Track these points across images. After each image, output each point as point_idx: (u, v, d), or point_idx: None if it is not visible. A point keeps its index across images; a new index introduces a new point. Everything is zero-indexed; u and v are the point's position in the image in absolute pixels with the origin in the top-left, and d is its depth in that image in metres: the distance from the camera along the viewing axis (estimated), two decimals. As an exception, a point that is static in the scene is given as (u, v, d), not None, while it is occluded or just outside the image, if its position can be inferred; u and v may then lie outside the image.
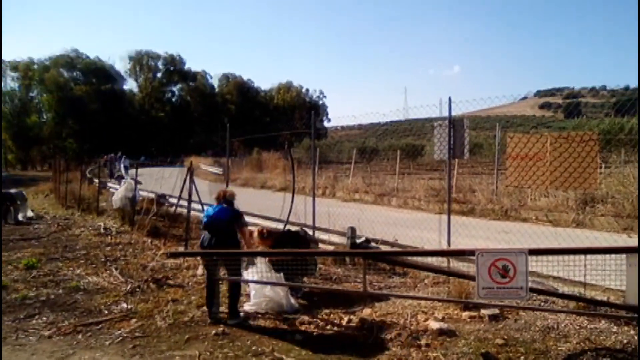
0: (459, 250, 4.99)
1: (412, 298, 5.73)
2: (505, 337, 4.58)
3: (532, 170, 5.98)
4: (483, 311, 5.15)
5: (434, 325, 4.79)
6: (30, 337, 4.93)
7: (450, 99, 5.87)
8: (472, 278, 4.85)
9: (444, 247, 6.30)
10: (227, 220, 5.52)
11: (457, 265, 6.22)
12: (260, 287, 5.60)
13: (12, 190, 14.73)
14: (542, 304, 5.52)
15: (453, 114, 6.26)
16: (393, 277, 7.07)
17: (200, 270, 7.16)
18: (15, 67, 61.00)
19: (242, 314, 5.42)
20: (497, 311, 5.12)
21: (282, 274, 5.52)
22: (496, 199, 14.62)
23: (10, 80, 61.79)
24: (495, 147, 18.25)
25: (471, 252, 4.10)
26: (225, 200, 5.75)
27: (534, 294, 5.16)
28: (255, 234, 6.13)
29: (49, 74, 59.65)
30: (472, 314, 5.17)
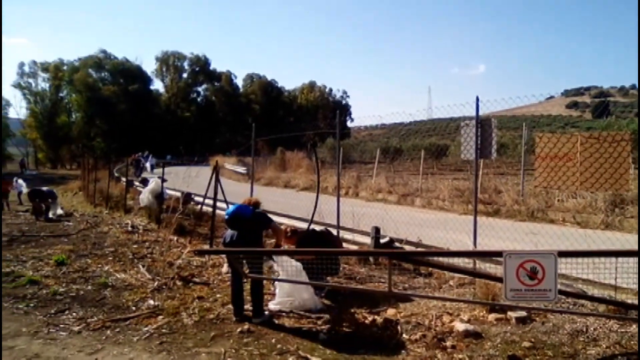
0: (486, 251, 4.94)
1: (438, 299, 5.69)
2: (533, 340, 4.51)
3: (562, 171, 5.87)
4: (510, 313, 5.09)
5: (459, 326, 4.75)
6: (61, 332, 5.03)
7: (477, 99, 5.80)
8: (499, 280, 4.79)
9: (470, 248, 6.23)
10: (249, 217, 5.54)
11: (482, 266, 6.17)
12: (285, 285, 5.63)
13: (44, 189, 15.15)
14: (571, 306, 5.43)
15: (474, 113, 6.19)
16: (417, 278, 7.03)
17: (225, 268, 7.24)
18: (45, 68, 62.50)
19: (267, 312, 5.46)
20: (524, 313, 5.04)
21: (304, 273, 5.55)
22: (522, 200, 14.40)
23: (41, 81, 63.40)
24: (521, 147, 17.95)
25: (498, 254, 4.05)
26: (255, 206, 5.84)
27: (563, 297, 5.07)
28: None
29: (78, 75, 60.93)
30: (499, 316, 5.10)
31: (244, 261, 5.62)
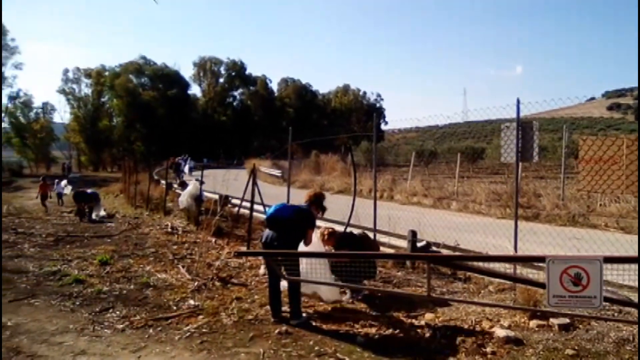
0: (528, 256, 4.83)
1: (478, 304, 5.60)
2: (577, 348, 4.40)
3: (607, 174, 5.72)
4: (552, 320, 4.97)
5: (500, 332, 4.67)
6: (106, 330, 5.19)
7: (518, 101, 5.70)
8: (541, 285, 4.69)
9: (510, 252, 6.12)
10: (287, 218, 5.52)
11: (522, 272, 6.05)
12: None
13: (88, 191, 15.69)
14: (616, 314, 5.26)
15: (515, 115, 6.09)
16: (455, 282, 6.95)
17: (262, 269, 7.32)
18: (88, 74, 64.67)
19: (304, 314, 5.49)
20: (567, 320, 4.92)
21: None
22: (563, 204, 14.03)
23: (84, 87, 65.65)
24: (561, 150, 17.49)
25: (541, 259, 3.97)
26: (314, 199, 5.82)
27: (608, 304, 4.93)
28: (318, 234, 6.22)
29: (119, 80, 62.78)
30: (541, 322, 4.99)
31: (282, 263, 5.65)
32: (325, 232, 6.40)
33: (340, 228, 7.34)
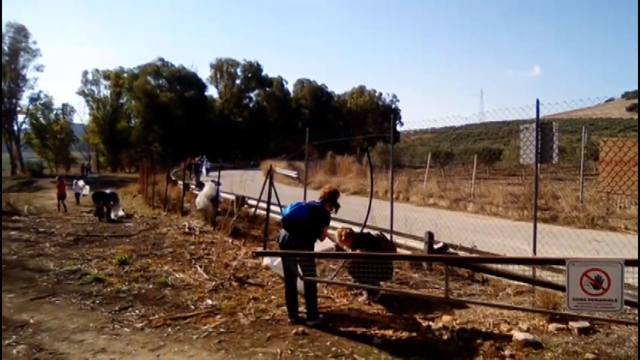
0: (547, 258, 4.78)
1: (496, 307, 5.55)
2: (597, 352, 4.34)
3: (627, 176, 5.62)
4: (571, 323, 4.91)
5: (518, 335, 4.63)
6: (125, 328, 5.26)
7: (538, 102, 5.65)
8: (560, 288, 4.64)
9: (529, 255, 6.06)
10: (303, 219, 5.49)
11: (541, 274, 5.98)
12: None
13: (107, 191, 15.92)
14: (637, 318, 5.18)
15: (532, 116, 6.04)
16: (472, 285, 6.90)
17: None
18: (107, 75, 65.53)
19: (321, 315, 5.50)
20: (587, 324, 4.86)
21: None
22: (581, 206, 13.84)
23: (103, 88, 66.56)
24: (580, 152, 17.24)
25: (560, 261, 3.92)
26: (329, 196, 5.82)
27: (629, 307, 4.85)
28: (336, 234, 6.24)
29: (138, 82, 63.53)
30: (560, 325, 4.94)
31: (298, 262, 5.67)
32: (343, 233, 6.42)
33: (356, 229, 7.33)
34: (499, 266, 5.70)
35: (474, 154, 24.92)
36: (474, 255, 7.08)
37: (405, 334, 4.97)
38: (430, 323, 5.23)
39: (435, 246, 7.38)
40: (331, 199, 5.84)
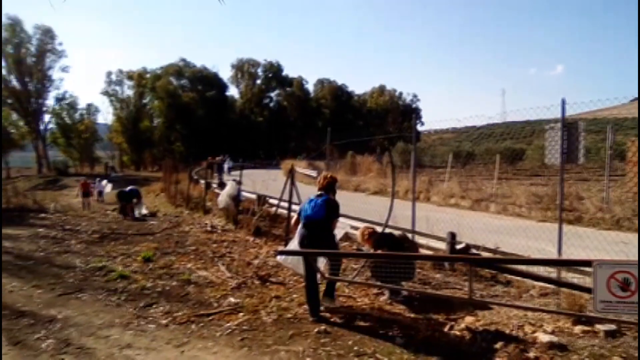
0: (573, 260, 4.72)
1: (521, 308, 5.48)
2: (624, 355, 4.27)
3: (656, 177, 5.49)
4: (598, 326, 4.84)
5: (543, 337, 4.57)
6: (150, 325, 5.35)
7: (563, 101, 5.57)
8: (586, 290, 4.58)
9: (554, 256, 5.98)
10: (323, 219, 5.64)
11: (567, 276, 5.90)
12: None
13: (127, 189, 16.21)
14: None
15: (555, 116, 5.97)
16: (495, 286, 6.83)
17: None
18: (130, 76, 66.49)
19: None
20: (613, 327, 4.78)
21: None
22: (607, 208, 13.56)
23: (127, 88, 67.55)
24: (605, 152, 16.88)
25: (587, 263, 3.88)
26: (327, 186, 5.91)
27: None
28: (359, 233, 6.27)
29: (160, 82, 64.29)
30: (586, 328, 4.86)
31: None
32: (366, 232, 6.42)
33: (378, 229, 7.33)
34: (523, 267, 5.65)
35: (496, 153, 24.64)
36: (497, 256, 7.00)
37: (427, 334, 4.95)
38: (453, 324, 5.19)
39: (458, 247, 7.31)
40: (333, 189, 5.99)
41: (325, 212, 5.63)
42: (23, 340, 4.86)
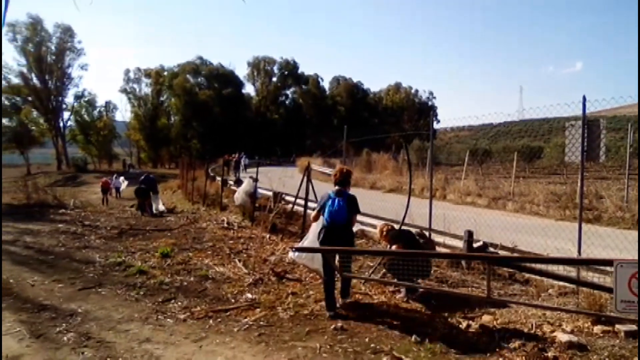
0: (594, 259, 4.66)
1: (540, 307, 5.41)
2: (645, 357, 4.20)
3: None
4: (618, 326, 4.77)
5: (562, 337, 4.53)
6: (168, 319, 5.42)
7: (584, 98, 5.48)
8: (606, 289, 4.52)
9: (573, 255, 5.90)
10: (345, 222, 5.69)
11: (587, 275, 5.82)
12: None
13: (142, 177, 16.38)
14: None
15: (574, 114, 5.90)
16: (513, 285, 6.78)
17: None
18: (148, 74, 67.15)
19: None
20: (634, 327, 4.70)
21: None
22: (626, 207, 13.34)
23: (144, 86, 68.26)
24: (624, 150, 16.59)
25: (608, 262, 3.83)
26: (343, 179, 5.93)
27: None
28: (377, 230, 6.28)
29: (177, 80, 64.79)
30: (606, 328, 4.80)
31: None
32: (385, 229, 6.43)
33: (395, 227, 7.31)
34: (542, 266, 5.59)
35: (513, 151, 24.40)
36: (515, 255, 6.94)
37: (444, 332, 4.93)
38: (470, 322, 5.17)
39: (475, 245, 7.26)
40: (348, 181, 6.01)
41: (347, 214, 5.67)
42: (45, 334, 4.96)
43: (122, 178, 26.28)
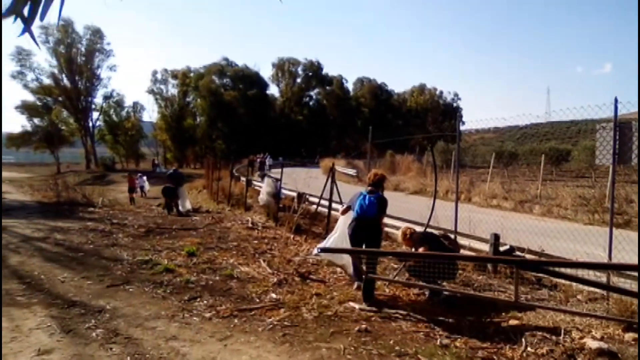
0: (625, 264, 4.56)
1: (570, 312, 5.31)
2: (679, 366, 4.09)
3: None
4: (650, 334, 4.65)
5: (592, 344, 4.43)
6: (194, 317, 5.47)
7: (616, 99, 5.37)
8: (637, 295, 4.42)
9: (603, 260, 5.78)
10: (375, 217, 6.13)
11: (616, 281, 5.70)
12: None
13: (170, 170, 16.61)
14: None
15: (605, 115, 5.76)
16: (541, 290, 6.67)
17: (340, 268, 7.46)
18: (175, 75, 68.04)
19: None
20: (667, 336, 4.59)
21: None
22: (657, 211, 12.98)
23: (171, 87, 69.16)
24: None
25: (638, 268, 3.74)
26: (377, 181, 6.33)
27: None
28: (400, 233, 6.31)
29: (203, 81, 65.47)
30: (637, 335, 4.68)
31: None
32: (408, 232, 6.41)
33: (418, 229, 7.27)
34: (570, 271, 5.48)
35: (540, 154, 23.95)
36: (542, 259, 6.83)
37: (470, 337, 4.89)
38: (497, 327, 5.10)
39: (501, 248, 7.17)
40: (381, 185, 6.51)
41: (377, 211, 6.12)
42: (75, 329, 5.06)
43: (145, 177, 26.74)
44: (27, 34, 1.65)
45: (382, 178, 6.44)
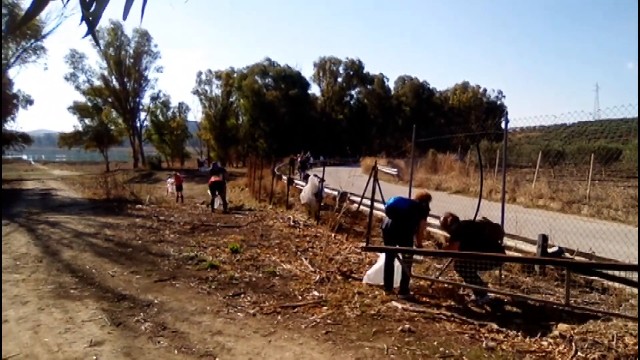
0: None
1: (623, 317, 5.08)
2: None
3: None
4: None
5: (646, 350, 4.26)
6: (239, 313, 5.59)
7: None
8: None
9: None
10: (406, 209, 6.38)
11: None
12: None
13: (218, 164, 16.91)
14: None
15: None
16: (591, 293, 6.44)
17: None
18: (219, 76, 69.23)
19: (412, 292, 6.21)
20: None
21: None
22: None
23: (215, 88, 70.40)
24: None
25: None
26: (425, 200, 6.65)
27: None
28: (441, 219, 6.37)
29: (246, 81, 66.39)
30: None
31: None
32: (449, 218, 6.38)
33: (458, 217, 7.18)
34: (623, 274, 5.28)
35: (589, 153, 23.06)
36: (594, 261, 6.59)
37: (517, 340, 4.78)
38: (545, 330, 4.97)
39: (550, 250, 6.96)
40: (426, 202, 6.73)
41: (408, 206, 6.42)
42: (124, 322, 5.25)
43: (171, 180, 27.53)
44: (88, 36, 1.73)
45: (427, 197, 6.73)
